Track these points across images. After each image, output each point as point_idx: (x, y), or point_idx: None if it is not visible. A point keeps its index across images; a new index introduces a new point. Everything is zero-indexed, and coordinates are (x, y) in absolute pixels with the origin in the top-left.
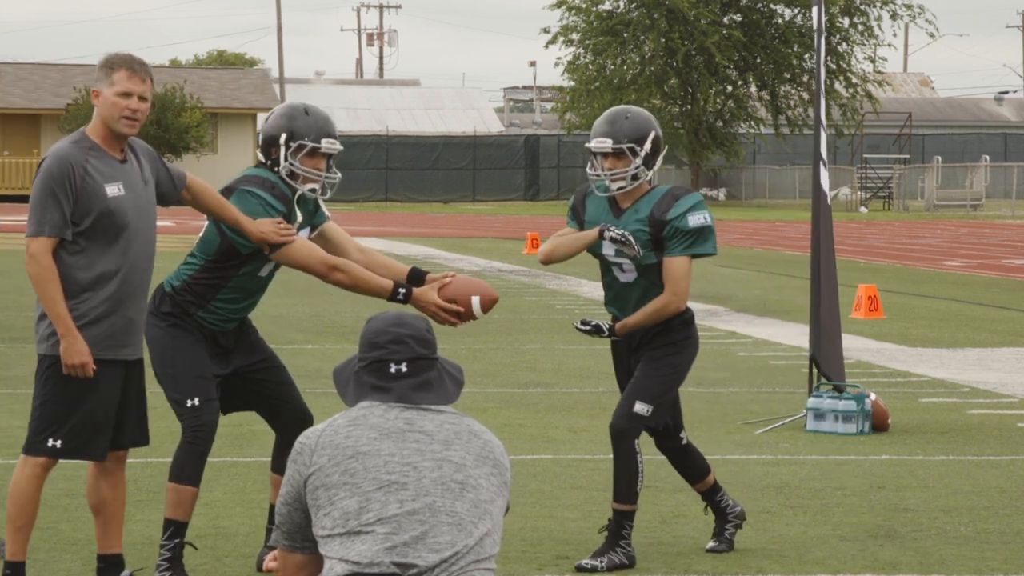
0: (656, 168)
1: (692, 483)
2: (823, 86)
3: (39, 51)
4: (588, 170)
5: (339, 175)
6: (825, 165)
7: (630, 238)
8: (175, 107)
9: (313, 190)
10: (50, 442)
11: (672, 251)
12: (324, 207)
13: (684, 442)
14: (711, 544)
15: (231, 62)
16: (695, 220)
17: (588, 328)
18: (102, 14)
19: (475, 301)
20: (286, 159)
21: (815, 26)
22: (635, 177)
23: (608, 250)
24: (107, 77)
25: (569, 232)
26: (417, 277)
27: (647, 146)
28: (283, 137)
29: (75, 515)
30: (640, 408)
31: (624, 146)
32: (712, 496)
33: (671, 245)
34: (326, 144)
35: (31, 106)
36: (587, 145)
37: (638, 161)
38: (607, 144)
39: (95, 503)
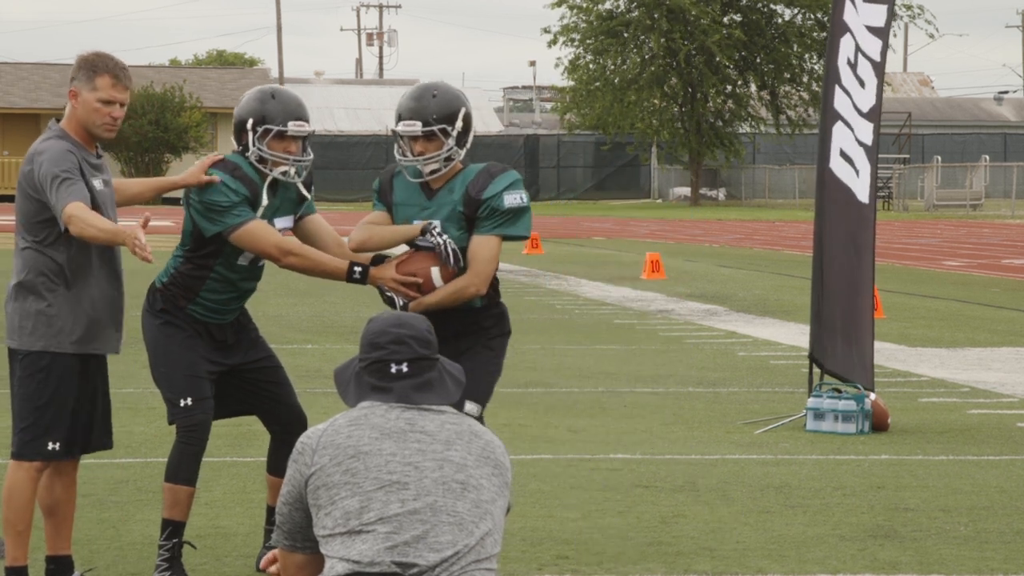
0: (468, 146)
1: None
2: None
3: (39, 51)
4: (396, 154)
5: (311, 156)
6: (875, 164)
7: (453, 250)
8: (175, 107)
9: (285, 172)
10: (50, 445)
11: (482, 230)
12: (306, 194)
13: None
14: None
15: (231, 62)
16: (511, 200)
17: (384, 299)
18: (102, 14)
19: (435, 272)
20: (254, 144)
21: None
22: (448, 159)
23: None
24: (89, 80)
25: (382, 220)
26: (380, 260)
27: (458, 124)
28: (250, 122)
29: (75, 513)
30: (471, 408)
31: (435, 128)
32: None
33: (483, 224)
34: (293, 127)
35: (31, 106)
36: (394, 128)
37: (451, 142)
38: (416, 127)
39: (48, 504)
